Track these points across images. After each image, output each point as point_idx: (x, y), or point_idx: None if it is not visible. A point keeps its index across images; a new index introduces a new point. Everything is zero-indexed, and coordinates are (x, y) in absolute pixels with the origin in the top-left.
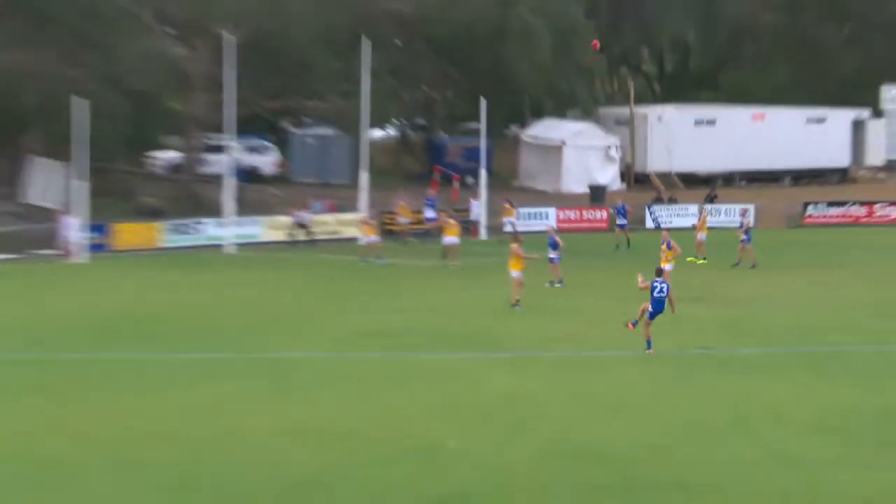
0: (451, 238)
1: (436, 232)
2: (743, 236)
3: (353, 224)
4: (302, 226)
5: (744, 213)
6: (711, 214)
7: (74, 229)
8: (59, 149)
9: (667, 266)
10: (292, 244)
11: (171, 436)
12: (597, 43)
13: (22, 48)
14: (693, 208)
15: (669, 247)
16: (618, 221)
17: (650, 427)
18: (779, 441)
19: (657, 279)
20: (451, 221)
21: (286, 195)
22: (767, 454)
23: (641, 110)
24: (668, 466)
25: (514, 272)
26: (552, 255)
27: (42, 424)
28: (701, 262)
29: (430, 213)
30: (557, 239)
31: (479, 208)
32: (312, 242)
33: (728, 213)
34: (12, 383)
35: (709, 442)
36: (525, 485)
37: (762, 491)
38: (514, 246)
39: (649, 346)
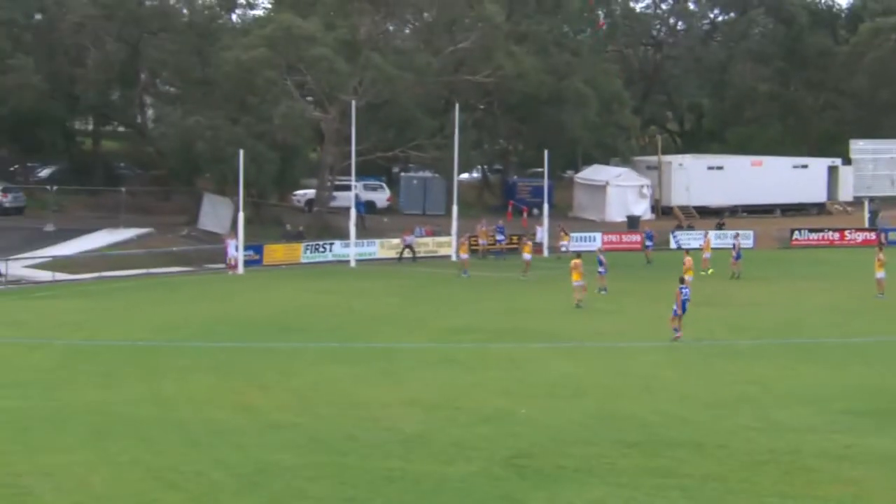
0: (527, 255)
1: (505, 251)
2: (734, 254)
3: (446, 245)
4: (409, 246)
5: (736, 236)
6: (718, 238)
7: (236, 249)
8: (225, 187)
9: (687, 277)
10: (400, 260)
11: (307, 405)
12: (602, 23)
13: (198, 112)
14: (708, 233)
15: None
16: (646, 243)
17: (672, 399)
18: (769, 410)
19: (682, 286)
20: (529, 243)
21: (395, 223)
22: (761, 420)
23: (667, 158)
24: (685, 429)
25: (577, 281)
26: (600, 269)
27: (208, 395)
28: (710, 272)
29: (500, 237)
30: (602, 258)
31: (542, 233)
32: (414, 259)
33: (733, 237)
34: (186, 364)
35: (717, 411)
36: (576, 441)
37: (757, 448)
38: (577, 261)
39: (676, 332)
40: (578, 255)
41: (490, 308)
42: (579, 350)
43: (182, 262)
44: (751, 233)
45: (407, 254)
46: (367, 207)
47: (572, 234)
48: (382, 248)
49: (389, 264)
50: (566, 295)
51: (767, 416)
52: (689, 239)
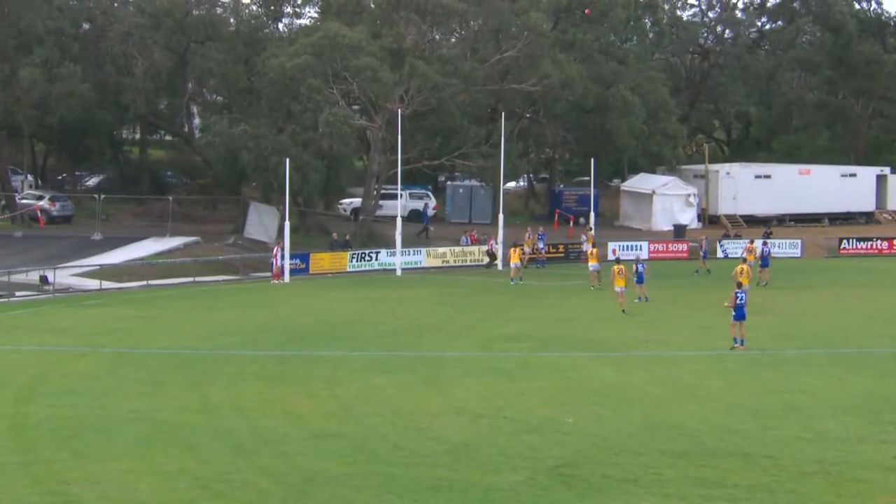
0: (593, 265)
1: (546, 260)
2: (759, 262)
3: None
4: (490, 253)
5: (764, 243)
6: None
7: (281, 258)
8: (271, 196)
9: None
10: (488, 267)
11: (353, 413)
12: (588, 10)
13: (244, 121)
14: (753, 241)
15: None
16: (702, 253)
17: (719, 409)
18: (817, 420)
19: (738, 291)
20: (592, 251)
21: (440, 231)
22: (809, 430)
23: (714, 167)
24: (732, 439)
25: (619, 288)
26: (636, 278)
27: (255, 404)
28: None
29: (541, 245)
30: (641, 266)
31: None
32: (489, 266)
33: (780, 246)
34: (233, 373)
35: (764, 421)
36: (622, 450)
37: (805, 459)
38: (620, 267)
39: (735, 342)
40: (618, 260)
41: (536, 316)
42: (625, 359)
43: (228, 270)
44: (798, 242)
45: (486, 259)
46: (412, 216)
47: (617, 244)
48: (429, 257)
49: (436, 273)
50: (613, 303)
51: (816, 426)
52: (737, 248)
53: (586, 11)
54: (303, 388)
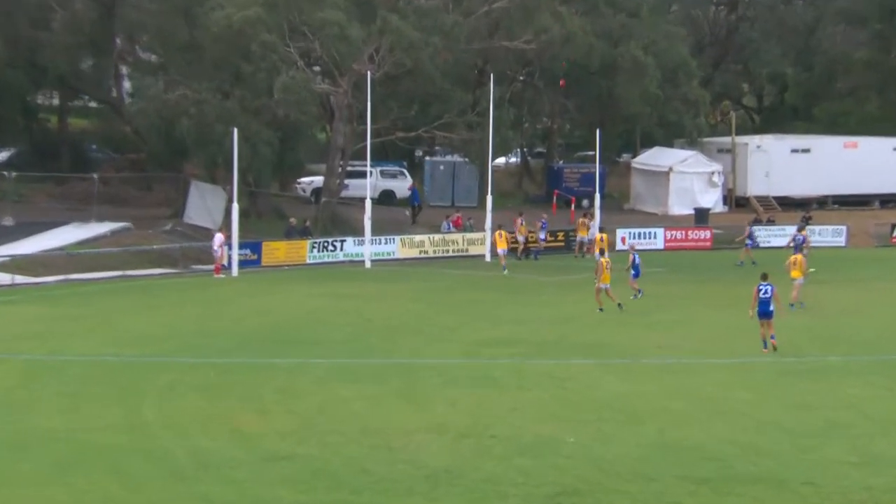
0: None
1: (542, 250)
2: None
3: (479, 242)
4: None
5: (801, 229)
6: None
7: (228, 247)
8: (215, 173)
9: (797, 278)
10: (525, 258)
11: (312, 432)
12: (563, 82)
13: (183, 84)
14: (790, 229)
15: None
16: (747, 242)
17: (748, 427)
18: (865, 441)
19: (762, 283)
20: (602, 237)
21: (418, 216)
22: (855, 452)
23: (742, 139)
24: (764, 463)
25: (603, 284)
26: (632, 270)
27: (195, 420)
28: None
29: (541, 235)
30: (636, 256)
31: (595, 228)
32: (527, 256)
33: (822, 234)
34: (170, 383)
35: (802, 441)
36: (632, 475)
37: (851, 485)
38: (605, 260)
39: (765, 346)
40: (602, 252)
41: (531, 316)
42: (635, 367)
43: (165, 262)
44: (843, 228)
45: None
46: (385, 198)
47: (627, 231)
48: (403, 247)
49: (412, 265)
50: (619, 300)
51: (863, 447)
52: (769, 235)
53: (561, 83)
54: (252, 402)
